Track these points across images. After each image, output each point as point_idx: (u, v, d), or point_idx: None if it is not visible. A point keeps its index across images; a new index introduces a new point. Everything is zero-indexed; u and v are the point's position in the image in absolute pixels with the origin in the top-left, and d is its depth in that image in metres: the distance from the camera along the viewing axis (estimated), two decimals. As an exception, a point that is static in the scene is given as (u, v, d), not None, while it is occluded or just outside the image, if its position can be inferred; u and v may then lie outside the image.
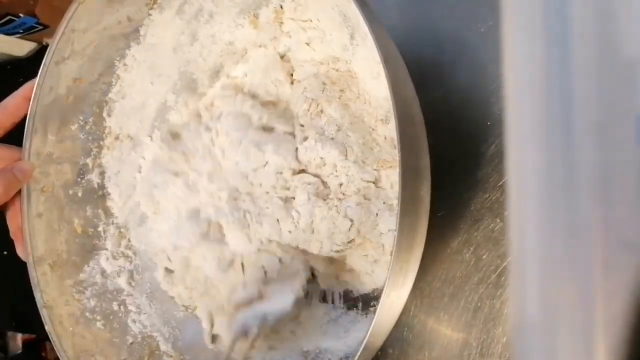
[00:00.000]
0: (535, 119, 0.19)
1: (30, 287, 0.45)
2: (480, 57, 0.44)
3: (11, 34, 0.64)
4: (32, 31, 0.64)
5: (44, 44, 0.67)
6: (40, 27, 0.64)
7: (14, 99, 0.45)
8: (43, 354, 0.66)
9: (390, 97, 0.31)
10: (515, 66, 0.20)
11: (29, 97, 0.45)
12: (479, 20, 0.44)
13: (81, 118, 0.49)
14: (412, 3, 0.48)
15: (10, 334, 0.66)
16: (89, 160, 0.50)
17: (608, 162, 0.17)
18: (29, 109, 0.44)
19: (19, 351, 0.65)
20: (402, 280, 0.35)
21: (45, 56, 0.44)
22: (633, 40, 0.17)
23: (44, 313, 0.44)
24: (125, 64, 0.49)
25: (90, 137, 0.50)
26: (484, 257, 0.42)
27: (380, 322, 0.33)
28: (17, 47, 0.67)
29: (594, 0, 0.18)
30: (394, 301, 0.35)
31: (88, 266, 0.49)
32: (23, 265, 0.45)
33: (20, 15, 0.61)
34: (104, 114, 0.50)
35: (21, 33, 0.65)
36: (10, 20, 0.61)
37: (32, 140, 0.45)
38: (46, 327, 0.44)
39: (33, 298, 0.45)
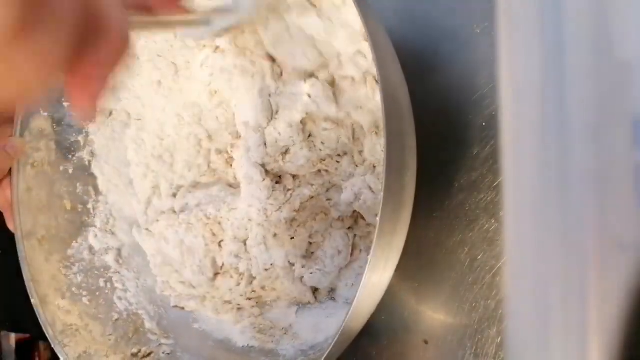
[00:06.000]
0: (531, 120, 0.19)
1: (24, 286, 0.45)
2: (475, 58, 0.44)
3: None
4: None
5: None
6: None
7: None
8: (36, 354, 0.66)
9: (380, 88, 0.31)
10: (510, 67, 0.20)
11: None
12: (475, 21, 0.44)
13: None
14: (409, 4, 0.48)
15: (3, 333, 0.66)
16: (80, 138, 0.50)
17: (603, 164, 0.17)
18: None
19: (12, 350, 0.65)
20: (384, 265, 0.35)
21: None
22: (628, 42, 0.17)
23: (30, 286, 0.44)
24: None
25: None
26: (479, 257, 0.42)
27: (360, 305, 0.34)
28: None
29: (589, 1, 0.18)
30: (374, 285, 0.35)
31: (76, 242, 0.49)
32: (17, 264, 0.45)
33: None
34: None
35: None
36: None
37: (24, 115, 0.46)
38: (32, 301, 0.44)
39: (27, 298, 0.45)
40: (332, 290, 0.45)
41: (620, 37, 0.17)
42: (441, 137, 0.44)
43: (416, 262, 0.44)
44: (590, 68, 0.18)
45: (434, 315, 0.43)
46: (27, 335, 0.65)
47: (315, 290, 0.46)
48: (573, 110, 0.18)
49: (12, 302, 0.61)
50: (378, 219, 0.32)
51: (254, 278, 0.46)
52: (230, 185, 0.49)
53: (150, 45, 0.49)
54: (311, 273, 0.44)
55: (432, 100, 0.45)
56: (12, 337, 0.66)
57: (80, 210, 0.50)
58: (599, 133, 0.17)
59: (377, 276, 0.35)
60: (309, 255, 0.46)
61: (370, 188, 0.42)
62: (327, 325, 0.43)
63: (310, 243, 0.45)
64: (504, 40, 0.20)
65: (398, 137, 0.34)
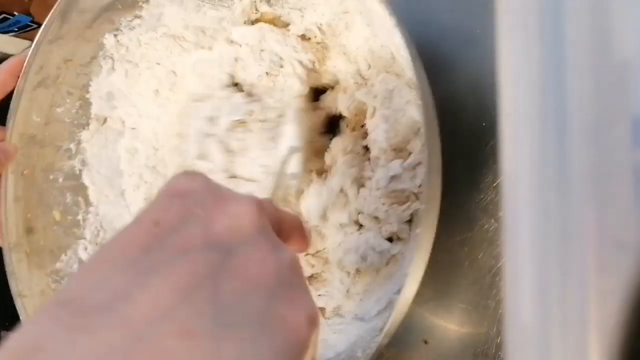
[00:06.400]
0: (530, 120, 0.19)
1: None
2: (475, 58, 0.44)
3: (6, 32, 0.64)
4: (26, 29, 0.64)
5: (38, 42, 0.67)
6: (35, 26, 0.64)
7: (0, 75, 0.44)
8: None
9: (421, 103, 0.31)
10: (510, 67, 0.20)
11: (14, 73, 0.43)
12: (474, 21, 0.44)
13: (68, 101, 0.48)
14: (408, 4, 0.48)
15: (3, 333, 0.66)
16: (72, 146, 0.49)
17: (602, 163, 0.17)
18: (16, 87, 0.43)
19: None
20: (415, 282, 0.35)
21: (38, 34, 0.43)
22: (627, 41, 0.17)
23: (18, 302, 0.43)
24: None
25: (75, 122, 0.49)
26: (478, 257, 0.42)
27: (393, 323, 0.33)
28: (12, 45, 0.66)
29: (589, 1, 0.18)
30: (405, 302, 0.35)
31: (65, 255, 0.48)
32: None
33: (15, 13, 0.61)
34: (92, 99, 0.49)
35: (16, 31, 0.64)
36: (5, 19, 0.61)
37: (16, 120, 0.44)
38: (21, 317, 0.43)
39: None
40: (338, 306, 0.45)
41: (620, 37, 0.17)
42: (441, 137, 0.44)
43: (416, 262, 0.44)
44: (590, 68, 0.18)
45: (433, 315, 0.43)
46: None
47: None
48: (572, 110, 0.18)
49: (11, 302, 0.61)
50: (414, 257, 0.32)
51: None
52: None
53: (150, 53, 0.48)
54: (319, 295, 0.44)
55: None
56: (12, 337, 0.65)
57: (69, 221, 0.49)
58: (598, 133, 0.17)
59: (401, 310, 0.34)
60: (315, 276, 0.45)
61: (374, 249, 0.41)
62: (336, 342, 0.42)
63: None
64: (504, 40, 0.20)
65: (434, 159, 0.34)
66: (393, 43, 0.36)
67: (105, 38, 0.48)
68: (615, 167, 0.17)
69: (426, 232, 0.33)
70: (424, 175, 0.31)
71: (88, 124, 0.50)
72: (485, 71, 0.43)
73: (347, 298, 0.43)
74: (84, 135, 0.50)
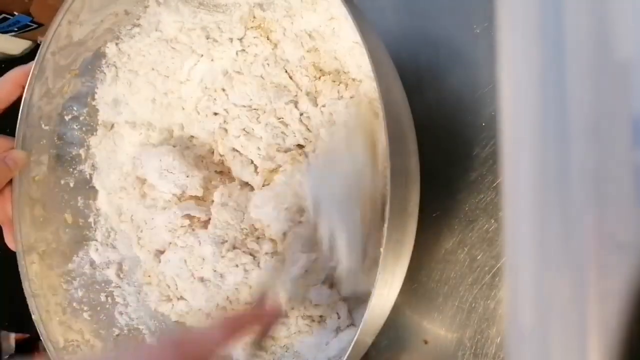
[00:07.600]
0: (530, 120, 0.19)
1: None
2: (475, 58, 0.44)
3: (5, 32, 0.64)
4: (26, 29, 0.64)
5: (38, 42, 0.67)
6: (35, 26, 0.64)
7: (5, 84, 0.44)
8: (36, 353, 0.66)
9: (380, 99, 0.31)
10: (510, 67, 0.20)
11: (19, 83, 0.44)
12: (474, 21, 0.44)
13: (75, 109, 0.49)
14: (408, 3, 0.48)
15: (3, 333, 0.66)
16: (82, 151, 0.50)
17: (602, 163, 0.17)
18: (23, 98, 0.44)
19: (12, 350, 0.65)
20: (391, 279, 0.35)
21: (41, 46, 0.44)
22: (627, 41, 0.17)
23: (31, 302, 0.44)
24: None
25: (84, 129, 0.50)
26: (478, 257, 0.42)
27: (371, 319, 0.33)
28: (12, 45, 0.66)
29: (589, 1, 0.18)
30: (383, 299, 0.35)
31: (77, 256, 0.49)
32: (15, 263, 0.45)
33: (15, 13, 0.61)
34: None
35: (16, 31, 0.64)
36: (5, 19, 0.61)
37: (26, 129, 0.45)
38: (33, 317, 0.44)
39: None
40: (337, 313, 0.45)
41: (620, 37, 0.17)
42: (441, 137, 0.44)
43: (416, 262, 0.44)
44: (590, 68, 0.18)
45: (433, 315, 0.43)
46: (27, 335, 0.65)
47: None
48: (572, 110, 0.18)
49: (12, 302, 0.61)
50: (382, 249, 0.32)
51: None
52: None
53: (147, 59, 0.49)
54: (315, 305, 0.44)
55: (431, 100, 0.45)
56: (12, 337, 0.66)
57: (81, 224, 0.50)
58: (598, 133, 0.17)
59: (379, 306, 0.34)
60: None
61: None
62: (330, 345, 0.43)
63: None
64: (504, 40, 0.20)
65: (402, 171, 0.34)
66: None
67: (107, 47, 0.48)
68: (615, 167, 0.17)
69: (400, 243, 0.34)
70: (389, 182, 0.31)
71: (96, 130, 0.50)
72: (486, 71, 0.43)
73: (343, 302, 0.44)
74: (93, 140, 0.50)
